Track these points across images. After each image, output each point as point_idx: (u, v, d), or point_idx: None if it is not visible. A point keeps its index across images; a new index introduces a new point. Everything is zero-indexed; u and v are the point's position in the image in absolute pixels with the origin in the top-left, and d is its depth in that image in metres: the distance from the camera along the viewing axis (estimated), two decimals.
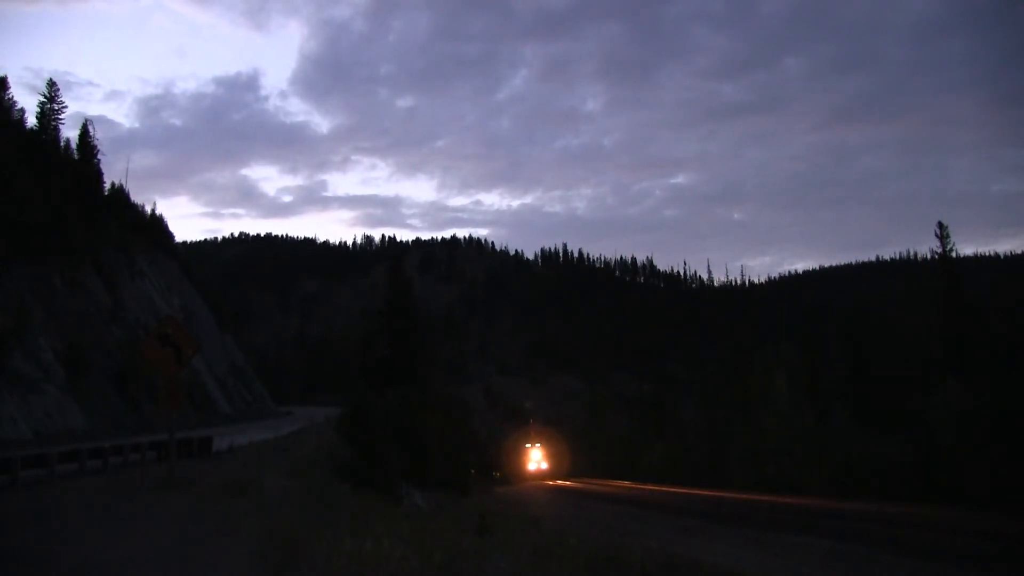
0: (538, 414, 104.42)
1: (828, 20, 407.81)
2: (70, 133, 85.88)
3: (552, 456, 49.88)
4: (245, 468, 19.35)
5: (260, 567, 7.13)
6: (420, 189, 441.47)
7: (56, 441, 25.66)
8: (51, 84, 53.46)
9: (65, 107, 54.18)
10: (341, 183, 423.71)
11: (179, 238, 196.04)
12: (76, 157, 55.73)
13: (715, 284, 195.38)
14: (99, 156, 58.18)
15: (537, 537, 12.72)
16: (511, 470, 50.03)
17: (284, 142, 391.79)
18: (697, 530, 18.82)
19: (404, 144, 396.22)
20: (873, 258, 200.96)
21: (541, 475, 48.14)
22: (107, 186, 65.41)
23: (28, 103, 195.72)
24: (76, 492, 13.55)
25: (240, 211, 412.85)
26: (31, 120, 53.35)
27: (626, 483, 41.77)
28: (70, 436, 29.05)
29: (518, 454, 51.13)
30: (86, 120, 57.40)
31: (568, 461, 50.09)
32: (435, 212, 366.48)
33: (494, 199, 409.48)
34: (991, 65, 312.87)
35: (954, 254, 45.95)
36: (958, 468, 28.23)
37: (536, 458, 50.20)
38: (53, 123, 53.00)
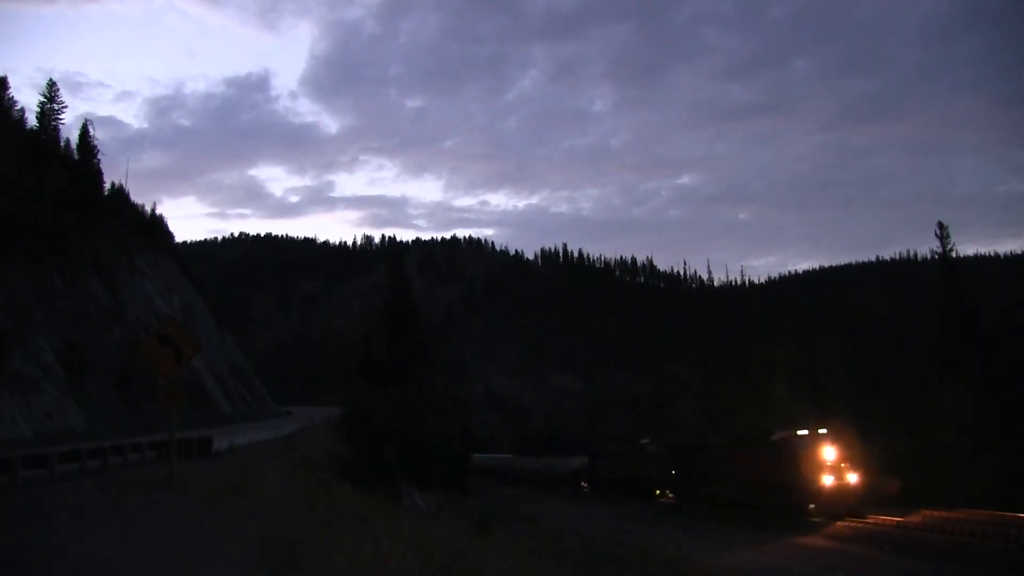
0: (537, 412, 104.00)
1: (836, 22, 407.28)
2: (73, 133, 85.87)
3: (854, 461, 25.62)
4: (245, 468, 19.39)
5: (260, 567, 7.14)
6: (426, 189, 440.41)
7: (56, 441, 25.66)
8: (51, 84, 53.62)
9: (65, 107, 54.40)
10: (348, 183, 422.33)
11: (184, 238, 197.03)
12: (76, 157, 55.83)
13: (715, 284, 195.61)
14: (99, 156, 58.35)
15: (536, 537, 12.73)
16: (756, 489, 27.12)
17: (292, 142, 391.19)
18: None
19: (412, 144, 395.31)
20: (873, 258, 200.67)
21: (847, 498, 24.67)
22: (107, 186, 65.64)
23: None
24: (76, 492, 13.55)
25: (246, 211, 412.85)
26: (32, 120, 53.57)
27: None
28: (70, 436, 29.06)
29: (783, 456, 26.05)
30: (86, 120, 57.58)
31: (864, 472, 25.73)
32: (441, 212, 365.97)
33: (500, 199, 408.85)
34: (997, 67, 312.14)
35: (954, 254, 46.07)
36: (957, 468, 28.29)
37: (831, 460, 25.24)
38: (53, 123, 53.12)
